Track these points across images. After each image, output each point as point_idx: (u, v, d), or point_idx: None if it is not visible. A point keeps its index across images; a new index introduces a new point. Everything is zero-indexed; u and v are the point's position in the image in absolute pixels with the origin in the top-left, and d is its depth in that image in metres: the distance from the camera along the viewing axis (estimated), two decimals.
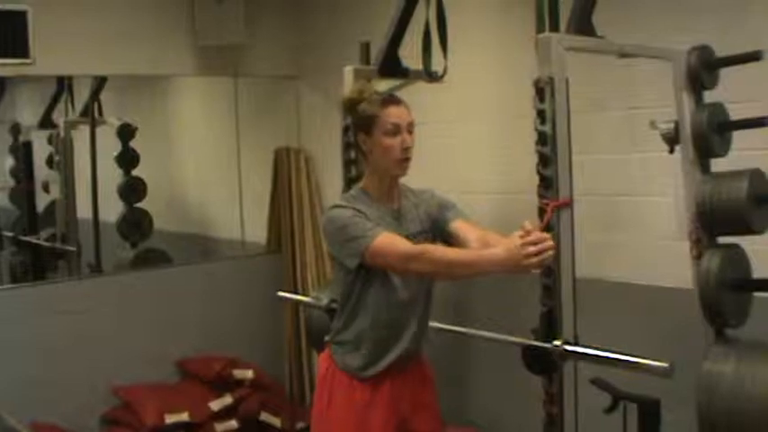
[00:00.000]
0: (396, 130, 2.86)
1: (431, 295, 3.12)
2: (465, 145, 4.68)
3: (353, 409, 2.95)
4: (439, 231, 3.02)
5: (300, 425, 5.50)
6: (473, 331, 3.31)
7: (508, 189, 4.32)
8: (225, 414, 5.32)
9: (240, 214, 6.30)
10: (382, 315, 2.94)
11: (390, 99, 2.94)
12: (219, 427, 5.27)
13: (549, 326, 3.05)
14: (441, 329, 3.55)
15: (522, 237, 2.47)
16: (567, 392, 3.11)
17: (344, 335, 3.02)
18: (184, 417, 5.04)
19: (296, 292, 5.52)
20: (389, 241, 2.73)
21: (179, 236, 6.80)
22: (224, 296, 5.79)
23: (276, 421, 5.42)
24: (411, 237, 2.91)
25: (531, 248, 2.44)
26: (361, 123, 2.92)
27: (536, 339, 3.06)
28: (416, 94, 4.22)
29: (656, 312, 3.79)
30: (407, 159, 2.90)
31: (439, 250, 2.74)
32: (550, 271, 3.04)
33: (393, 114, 2.87)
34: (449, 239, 2.98)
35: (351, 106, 2.97)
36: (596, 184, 3.94)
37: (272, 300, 4.87)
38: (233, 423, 5.33)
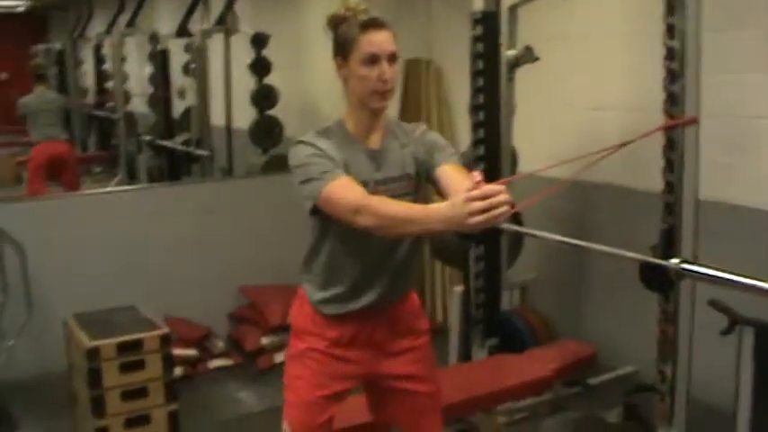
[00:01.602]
0: (373, 59, 2.46)
1: (414, 249, 2.71)
2: (595, 60, 4.61)
3: (314, 344, 2.67)
4: (425, 175, 2.63)
5: None
6: (591, 245, 3.29)
7: (638, 106, 4.24)
8: None
9: None
10: (342, 264, 2.61)
11: (372, 23, 2.50)
12: None
13: (669, 244, 3.04)
14: (560, 242, 3.55)
15: (469, 190, 2.05)
16: (682, 312, 3.12)
17: (309, 270, 2.70)
18: None
19: None
20: (339, 189, 2.39)
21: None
22: None
23: None
24: (389, 181, 2.57)
25: (477, 204, 2.01)
26: (338, 46, 2.54)
27: (654, 256, 3.06)
28: (547, 9, 4.18)
29: None
30: (386, 92, 2.50)
31: (384, 204, 2.36)
32: (672, 188, 3.02)
33: (372, 42, 2.47)
34: (433, 185, 2.61)
35: (333, 25, 2.57)
36: (728, 105, 3.83)
37: None
38: None
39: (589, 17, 4.57)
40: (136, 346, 4.24)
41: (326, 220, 2.52)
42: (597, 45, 4.57)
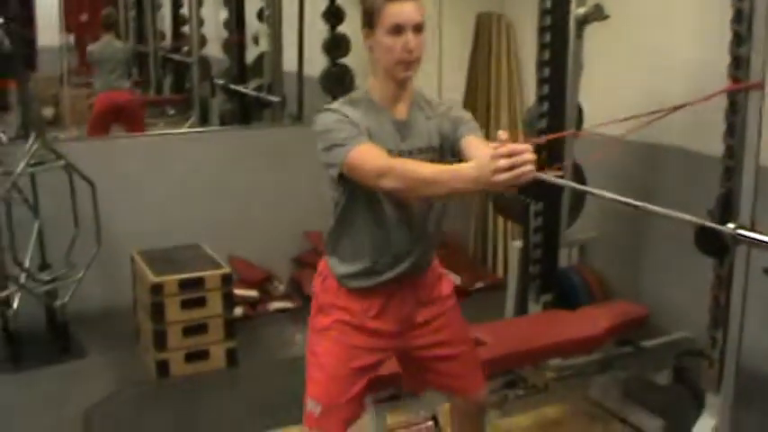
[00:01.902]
0: (398, 30, 2.43)
1: (441, 215, 2.70)
2: (664, 20, 4.54)
3: (341, 316, 2.67)
4: (449, 149, 2.61)
5: (479, 284, 5.71)
6: (647, 205, 3.27)
7: (706, 68, 4.18)
8: None
9: (438, 77, 6.39)
10: (370, 236, 2.60)
11: None
12: None
13: (726, 208, 3.03)
14: (618, 202, 3.54)
15: (495, 149, 2.05)
16: (736, 278, 3.10)
17: (334, 244, 2.69)
18: None
19: None
20: (362, 154, 2.38)
21: None
22: None
23: (457, 278, 5.60)
24: (415, 152, 2.55)
25: (502, 162, 2.01)
26: (365, 17, 2.52)
27: (711, 221, 3.05)
28: None
29: None
30: (411, 62, 2.48)
31: (409, 165, 2.35)
32: (732, 152, 3.00)
33: (396, 12, 2.43)
34: (459, 157, 2.55)
35: None
36: None
37: None
38: None
39: None
40: (198, 283, 4.40)
41: (353, 191, 2.52)
42: (667, 4, 4.51)
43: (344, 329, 2.65)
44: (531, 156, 2.01)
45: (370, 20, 2.49)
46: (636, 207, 3.35)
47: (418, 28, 2.46)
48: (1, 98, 6.28)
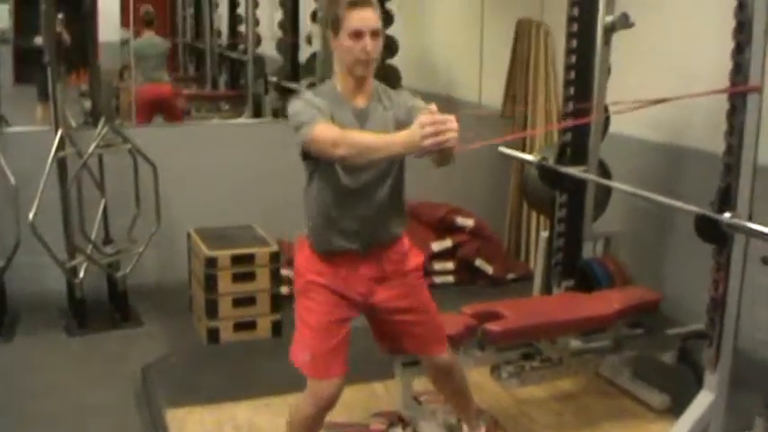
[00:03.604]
0: (358, 35, 2.82)
1: (396, 190, 3.06)
2: (687, 29, 4.82)
3: (315, 278, 3.04)
4: None
5: (511, 275, 6.03)
6: (652, 195, 3.53)
7: (726, 74, 4.45)
8: (444, 255, 5.93)
9: (479, 79, 6.69)
10: (327, 204, 2.97)
11: (356, 2, 2.85)
12: (438, 265, 5.90)
13: (724, 200, 3.32)
14: (624, 191, 3.77)
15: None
16: (734, 265, 3.38)
17: (307, 213, 3.06)
18: None
19: None
20: (321, 129, 2.74)
21: (423, 94, 7.25)
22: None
23: (489, 268, 5.95)
24: None
25: (428, 129, 2.50)
26: (330, 23, 2.92)
27: (711, 211, 3.33)
28: None
29: None
30: (368, 62, 2.87)
31: (356, 135, 2.77)
32: (732, 150, 3.30)
33: (356, 19, 2.83)
34: None
35: (328, 6, 3.10)
36: None
37: (500, 160, 5.36)
38: (450, 264, 5.95)
39: None
40: (248, 258, 4.77)
41: (314, 165, 2.93)
42: (690, 14, 4.76)
43: (318, 289, 3.03)
44: (453, 125, 2.53)
45: (334, 26, 2.89)
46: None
47: (375, 33, 2.85)
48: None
